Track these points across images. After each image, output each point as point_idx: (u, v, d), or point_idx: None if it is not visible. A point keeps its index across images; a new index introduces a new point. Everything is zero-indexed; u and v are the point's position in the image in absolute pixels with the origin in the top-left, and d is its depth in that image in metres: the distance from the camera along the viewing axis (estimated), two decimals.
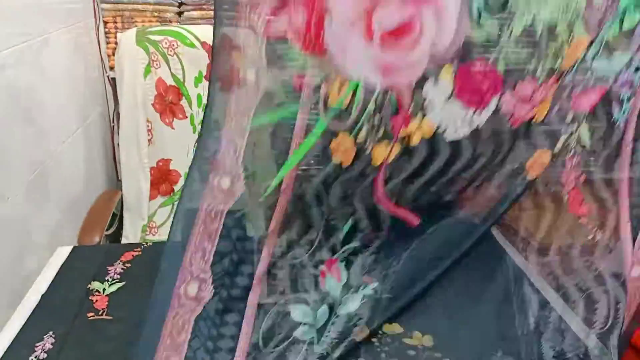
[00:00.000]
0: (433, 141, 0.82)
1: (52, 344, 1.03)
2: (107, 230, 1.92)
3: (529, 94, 0.82)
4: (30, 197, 1.47)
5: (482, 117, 0.81)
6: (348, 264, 0.89)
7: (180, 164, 2.11)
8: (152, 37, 1.95)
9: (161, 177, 2.10)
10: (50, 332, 1.06)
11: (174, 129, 2.06)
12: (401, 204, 0.87)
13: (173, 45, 1.95)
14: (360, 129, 0.74)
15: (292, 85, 0.70)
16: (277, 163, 0.75)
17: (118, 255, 1.33)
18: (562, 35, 0.78)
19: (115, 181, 2.27)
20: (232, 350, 0.84)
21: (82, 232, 1.81)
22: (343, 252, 0.89)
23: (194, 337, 0.79)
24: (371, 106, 0.72)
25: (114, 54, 2.10)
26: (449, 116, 0.79)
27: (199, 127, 2.09)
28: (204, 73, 1.99)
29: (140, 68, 1.95)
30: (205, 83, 2.02)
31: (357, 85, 0.70)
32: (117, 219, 2.09)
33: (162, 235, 2.10)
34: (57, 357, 0.99)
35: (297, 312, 0.86)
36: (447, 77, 0.76)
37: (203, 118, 0.74)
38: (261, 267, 0.82)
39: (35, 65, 1.56)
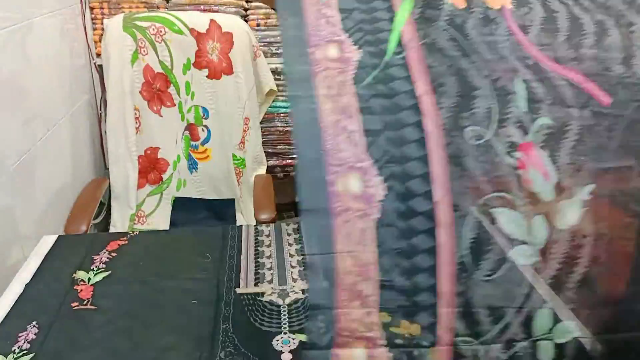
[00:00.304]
0: None
1: (35, 334, 1.02)
2: (94, 219, 1.90)
3: None
4: (15, 185, 1.45)
5: None
6: (550, 150, 0.69)
7: (169, 153, 2.09)
8: (139, 23, 1.92)
9: (149, 166, 2.08)
10: (34, 322, 1.04)
11: (162, 116, 2.04)
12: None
13: (161, 31, 1.93)
14: None
15: None
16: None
17: (104, 244, 1.31)
18: None
19: (103, 169, 2.25)
20: (432, 270, 0.65)
21: (69, 221, 1.79)
22: (538, 130, 0.68)
23: (381, 253, 0.64)
24: None
25: (100, 41, 2.07)
26: None
27: (187, 116, 2.07)
28: (192, 60, 1.97)
29: (127, 55, 1.92)
30: (194, 70, 2.00)
31: None
32: (105, 207, 2.07)
33: (150, 224, 2.09)
34: (41, 348, 0.98)
35: (505, 220, 0.66)
36: None
37: None
38: (433, 142, 0.65)
39: (20, 51, 1.53)
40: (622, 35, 0.76)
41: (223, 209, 2.12)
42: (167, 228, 2.02)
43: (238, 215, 2.12)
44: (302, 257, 1.27)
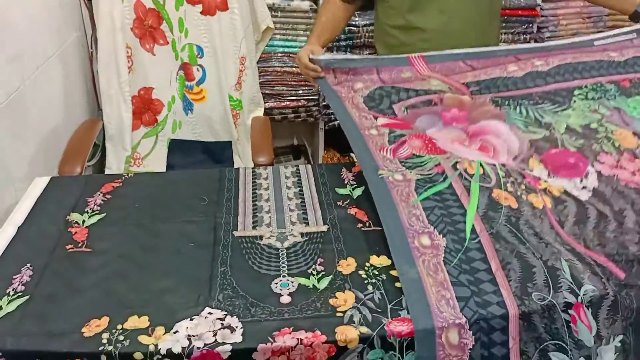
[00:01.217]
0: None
1: (30, 276, 1.00)
2: (89, 161, 1.87)
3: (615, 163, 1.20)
4: (4, 124, 1.41)
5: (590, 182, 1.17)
6: (593, 309, 0.95)
7: (163, 93, 2.03)
8: None
9: (143, 107, 2.03)
10: (28, 265, 1.03)
11: (155, 55, 1.97)
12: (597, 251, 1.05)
13: None
14: (505, 184, 1.12)
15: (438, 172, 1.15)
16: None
17: (98, 186, 1.28)
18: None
19: (96, 110, 2.19)
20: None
21: (62, 163, 1.76)
22: (584, 294, 0.95)
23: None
24: (500, 172, 1.15)
25: None
26: (562, 183, 1.17)
27: (181, 54, 2.00)
28: None
29: None
30: (187, 5, 1.91)
31: (480, 162, 1.16)
32: (100, 149, 2.03)
33: (146, 166, 2.05)
34: (36, 290, 0.97)
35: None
36: (535, 163, 1.20)
37: None
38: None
39: None
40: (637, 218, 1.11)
41: (220, 152, 2.08)
42: (164, 170, 1.98)
43: (235, 158, 2.08)
44: (300, 200, 1.24)
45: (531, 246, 1.02)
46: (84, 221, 1.16)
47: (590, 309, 0.96)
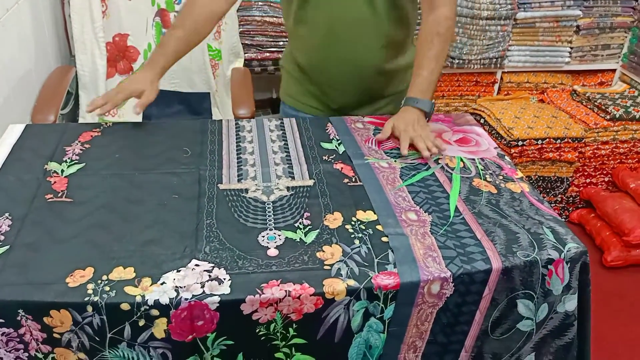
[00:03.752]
0: None
1: (9, 226, 0.97)
2: (62, 109, 1.81)
3: None
4: None
5: None
6: (572, 265, 1.00)
7: (139, 40, 1.96)
8: None
9: (118, 54, 1.96)
10: (7, 214, 1.00)
11: (130, 0, 1.89)
12: None
13: None
14: (485, 175, 1.19)
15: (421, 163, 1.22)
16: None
17: (76, 135, 1.24)
18: None
19: (69, 57, 2.11)
20: (465, 333, 1.01)
21: (35, 110, 1.70)
22: (568, 250, 0.99)
23: (434, 324, 0.99)
24: (479, 165, 1.22)
25: None
26: None
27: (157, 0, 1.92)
28: None
29: None
30: None
31: (460, 158, 1.25)
32: (73, 97, 1.97)
33: (122, 116, 2.00)
34: (15, 240, 0.94)
35: (522, 307, 1.00)
36: None
37: None
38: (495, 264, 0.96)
39: None
40: None
41: (198, 103, 2.04)
42: (140, 121, 1.94)
43: (214, 110, 2.05)
44: (285, 154, 1.23)
45: (513, 220, 1.06)
46: (62, 170, 1.13)
47: (569, 264, 1.00)
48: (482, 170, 1.21)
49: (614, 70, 2.74)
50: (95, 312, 0.85)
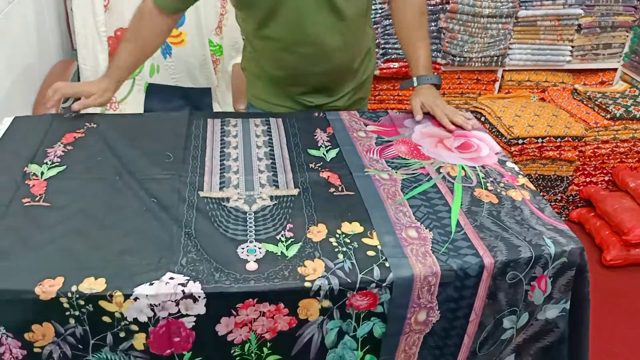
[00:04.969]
0: None
1: None
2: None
3: None
4: None
5: None
6: (555, 279, 1.01)
7: None
8: None
9: None
10: None
11: None
12: None
13: None
14: (486, 184, 1.16)
15: (422, 173, 1.19)
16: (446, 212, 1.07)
17: (59, 136, 1.21)
18: None
19: (70, 51, 2.09)
20: (454, 355, 1.02)
21: (37, 104, 1.70)
22: (553, 267, 0.99)
23: (423, 347, 0.99)
24: (480, 174, 1.20)
25: None
26: None
27: None
28: None
29: None
30: None
31: (462, 166, 1.22)
32: None
33: (123, 110, 1.98)
34: None
35: (507, 322, 1.02)
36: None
37: None
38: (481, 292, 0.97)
39: None
40: None
41: (198, 98, 2.01)
42: (131, 114, 1.91)
43: (215, 105, 2.01)
44: (270, 161, 1.18)
45: (514, 232, 1.02)
46: (42, 173, 1.09)
47: (552, 278, 1.01)
48: (483, 178, 1.17)
49: (615, 70, 2.69)
50: (77, 323, 0.85)
